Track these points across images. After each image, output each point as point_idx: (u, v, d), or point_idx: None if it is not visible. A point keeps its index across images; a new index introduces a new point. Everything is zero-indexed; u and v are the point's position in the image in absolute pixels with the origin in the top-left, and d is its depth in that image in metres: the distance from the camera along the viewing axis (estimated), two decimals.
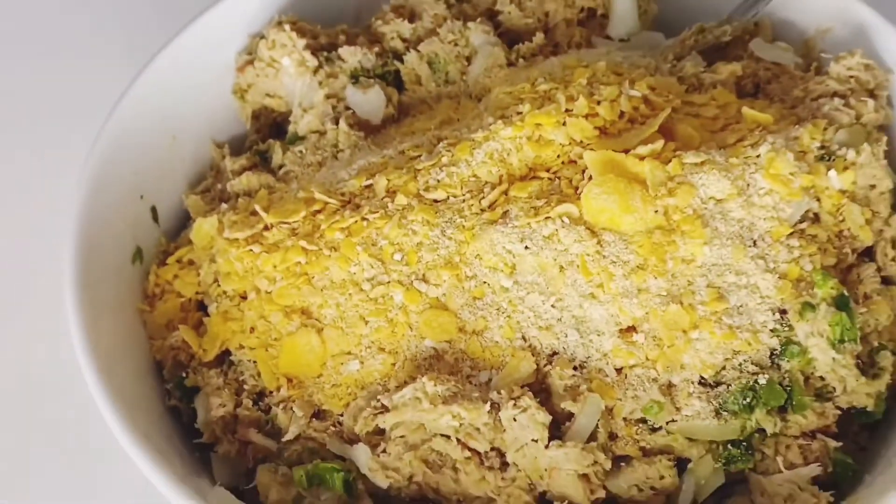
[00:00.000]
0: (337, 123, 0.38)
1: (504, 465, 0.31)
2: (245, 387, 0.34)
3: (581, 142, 0.34)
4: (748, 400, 0.32)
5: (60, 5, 0.55)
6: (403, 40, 0.41)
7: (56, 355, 0.39)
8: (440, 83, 0.40)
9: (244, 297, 0.35)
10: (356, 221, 0.34)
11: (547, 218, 0.32)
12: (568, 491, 0.31)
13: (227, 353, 0.35)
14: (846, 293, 0.32)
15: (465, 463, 0.31)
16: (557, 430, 0.32)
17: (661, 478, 0.32)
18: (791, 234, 0.33)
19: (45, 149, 0.48)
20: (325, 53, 0.40)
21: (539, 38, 0.40)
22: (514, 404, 0.31)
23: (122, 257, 0.37)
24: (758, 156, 0.33)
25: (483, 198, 0.34)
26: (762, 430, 0.32)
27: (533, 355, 0.32)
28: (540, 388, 0.32)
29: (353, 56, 0.40)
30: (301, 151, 0.38)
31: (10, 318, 0.43)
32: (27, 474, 0.40)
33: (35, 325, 0.42)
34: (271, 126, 0.42)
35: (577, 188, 0.33)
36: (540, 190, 0.33)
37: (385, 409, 0.32)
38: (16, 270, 0.44)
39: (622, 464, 0.32)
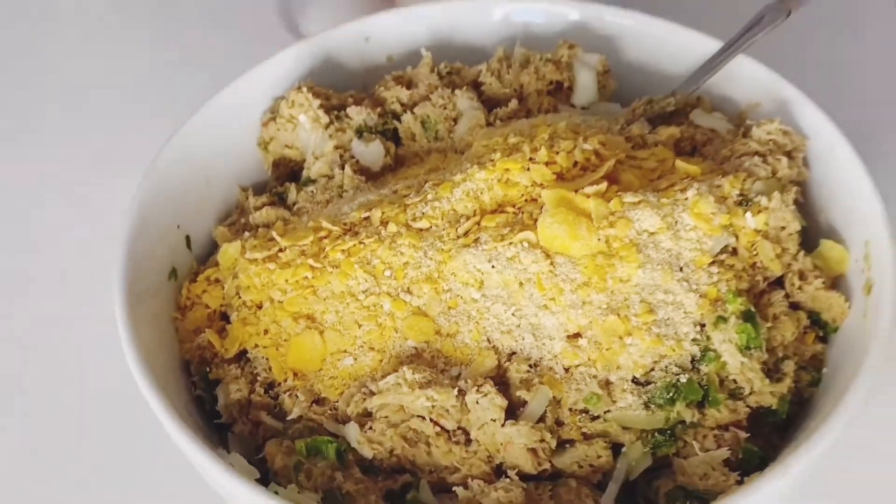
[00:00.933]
0: (343, 169, 0.46)
1: (468, 441, 0.38)
2: (258, 378, 0.41)
3: (541, 184, 0.41)
4: (671, 395, 0.38)
5: (110, 71, 0.64)
6: (401, 104, 0.48)
7: (109, 357, 0.45)
8: (431, 139, 0.47)
9: (260, 307, 0.42)
10: (355, 245, 0.41)
11: (510, 243, 0.40)
12: (519, 462, 0.37)
13: (244, 352, 0.42)
14: (752, 309, 0.39)
15: (436, 438, 0.38)
16: (513, 414, 0.38)
17: (599, 457, 0.38)
18: (711, 262, 0.40)
19: (103, 185, 0.56)
20: (336, 112, 0.47)
21: (514, 104, 0.48)
22: (478, 390, 0.38)
23: (160, 275, 0.44)
24: (685, 198, 0.41)
25: (459, 227, 0.41)
26: (684, 422, 0.39)
27: (495, 354, 0.39)
28: (500, 381, 0.39)
29: (358, 115, 0.47)
30: (312, 191, 0.46)
31: (71, 329, 0.51)
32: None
33: (92, 331, 0.49)
34: (289, 173, 0.49)
35: (535, 220, 0.40)
36: (506, 221, 0.41)
37: (372, 394, 0.38)
38: (74, 286, 0.52)
39: (567, 445, 0.39)
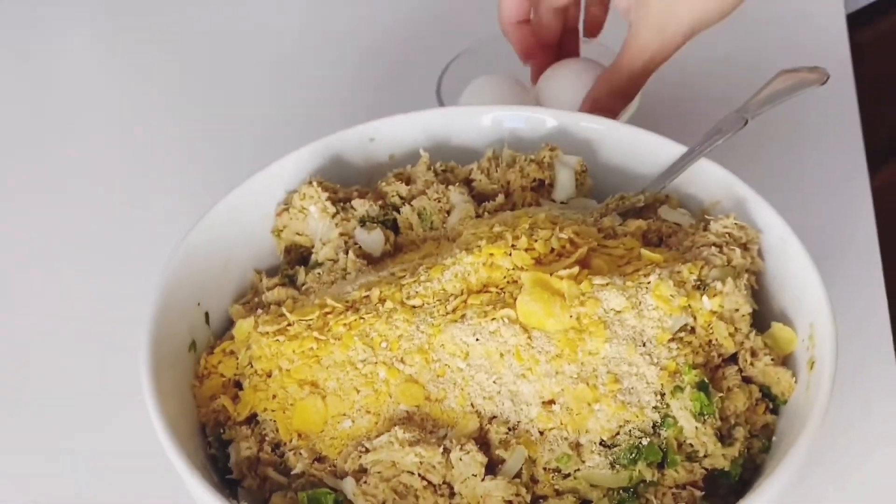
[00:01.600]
0: (347, 254, 0.51)
1: (452, 494, 0.42)
2: (266, 438, 0.46)
3: (521, 267, 0.47)
4: (634, 456, 0.43)
5: (134, 171, 0.70)
6: (401, 197, 0.54)
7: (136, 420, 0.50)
8: (426, 229, 0.53)
9: (269, 375, 0.47)
10: (355, 319, 0.46)
11: (493, 319, 0.45)
12: None
13: (254, 415, 0.47)
14: (706, 380, 0.44)
15: (423, 491, 0.42)
16: (492, 471, 0.43)
17: None
18: (671, 339, 0.45)
19: (124, 269, 0.63)
20: (342, 204, 0.53)
21: (501, 198, 0.53)
22: (461, 448, 0.42)
23: (181, 347, 0.49)
24: (648, 282, 0.46)
25: (448, 304, 0.46)
26: (645, 481, 0.43)
27: (478, 417, 0.44)
28: (482, 441, 0.43)
29: (362, 206, 0.53)
30: (319, 273, 0.51)
31: (96, 394, 0.56)
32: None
33: (119, 391, 0.54)
34: (298, 257, 0.55)
35: (515, 299, 0.46)
36: (489, 300, 0.46)
37: (367, 451, 0.43)
38: (103, 358, 0.58)
39: (540, 500, 0.43)
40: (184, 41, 0.81)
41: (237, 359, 0.49)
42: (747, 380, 0.47)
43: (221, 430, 0.47)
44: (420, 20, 0.80)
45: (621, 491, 0.43)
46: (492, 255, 0.47)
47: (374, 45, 0.79)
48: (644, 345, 0.45)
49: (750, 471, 0.45)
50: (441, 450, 0.42)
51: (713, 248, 0.49)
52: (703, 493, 0.43)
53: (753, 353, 0.47)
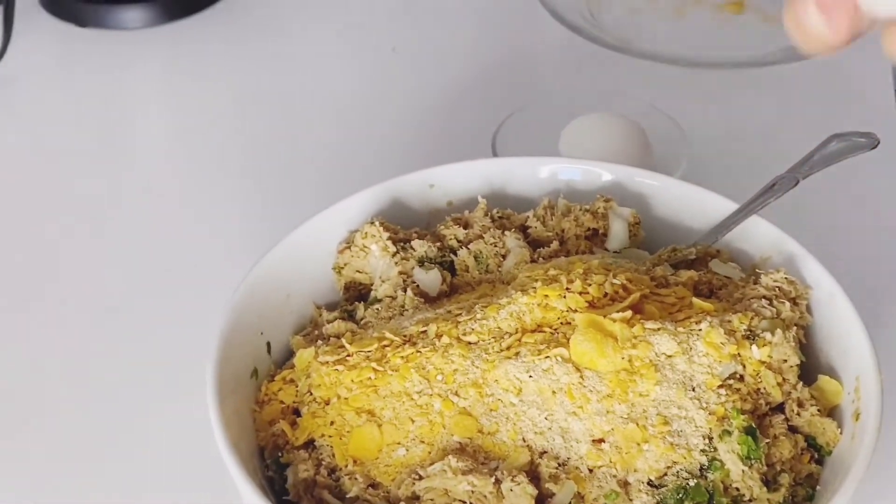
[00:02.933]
0: (405, 292, 0.53)
1: None
2: (323, 463, 0.47)
3: (575, 309, 0.48)
4: (680, 496, 0.44)
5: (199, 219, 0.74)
6: (458, 241, 0.56)
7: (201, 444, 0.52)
8: (482, 271, 0.55)
9: (328, 403, 0.49)
10: (413, 352, 0.48)
11: (546, 357, 0.46)
12: None
13: (312, 441, 0.49)
14: (753, 425, 0.45)
15: None
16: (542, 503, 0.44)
17: None
18: (720, 385, 0.46)
19: (190, 301, 0.65)
20: (402, 244, 0.55)
21: (555, 245, 0.55)
22: (512, 480, 0.44)
23: (244, 374, 0.51)
24: (699, 329, 0.47)
25: (503, 342, 0.48)
26: None
27: (529, 452, 0.45)
28: (532, 475, 0.45)
29: (421, 247, 0.55)
30: (377, 309, 0.53)
31: (164, 418, 0.58)
32: None
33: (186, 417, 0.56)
34: (357, 295, 0.57)
35: (568, 339, 0.47)
36: (543, 339, 0.47)
37: (420, 478, 0.45)
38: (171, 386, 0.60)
39: None
40: (254, 84, 0.85)
41: (297, 387, 0.50)
42: (793, 429, 0.48)
43: (280, 454, 0.49)
44: (477, 79, 0.83)
45: None
46: (546, 296, 0.49)
47: (436, 101, 0.82)
48: (693, 389, 0.46)
49: None
50: (493, 480, 0.44)
51: (763, 300, 0.50)
52: None
53: (800, 404, 0.48)
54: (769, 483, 0.45)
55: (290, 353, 0.54)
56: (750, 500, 0.45)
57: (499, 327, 0.48)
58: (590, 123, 0.73)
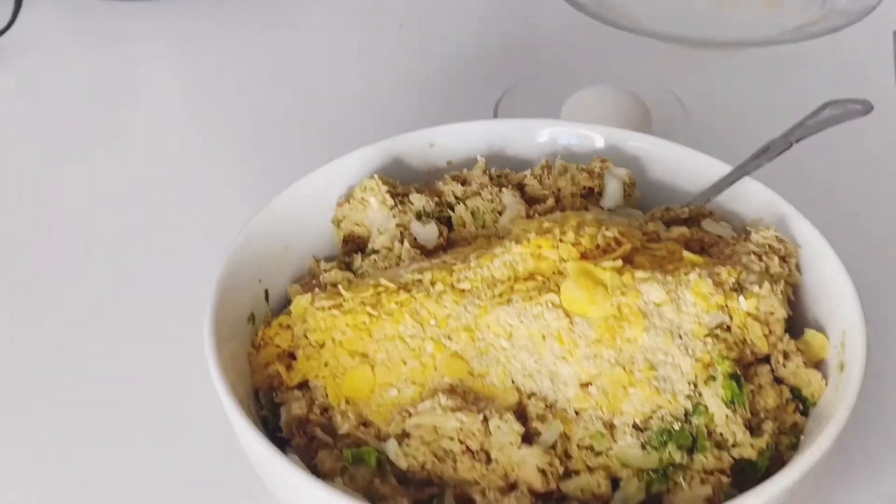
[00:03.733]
0: (402, 243, 0.54)
1: (489, 460, 0.45)
2: (316, 402, 0.48)
3: (567, 260, 0.49)
4: (664, 439, 0.45)
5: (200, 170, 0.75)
6: (456, 197, 0.57)
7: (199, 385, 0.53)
8: (478, 227, 0.56)
9: (322, 346, 0.50)
10: (407, 298, 0.49)
11: (537, 303, 0.47)
12: (531, 479, 0.44)
13: (306, 383, 0.50)
14: (738, 371, 0.46)
15: (461, 456, 0.44)
16: (529, 442, 0.45)
17: (599, 486, 0.44)
18: (707, 334, 0.47)
19: (192, 245, 0.67)
20: (400, 198, 0.56)
21: (550, 202, 0.56)
22: (500, 417, 0.45)
23: (241, 319, 0.52)
24: (689, 280, 0.48)
25: (496, 289, 0.49)
26: (675, 465, 0.45)
27: (518, 393, 0.46)
28: (520, 415, 0.46)
29: (419, 201, 0.56)
30: (374, 259, 0.54)
31: (166, 363, 0.59)
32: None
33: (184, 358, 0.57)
34: (355, 249, 0.58)
35: (560, 286, 0.48)
36: (535, 286, 0.48)
37: (410, 415, 0.46)
38: (166, 327, 0.61)
39: (573, 475, 0.45)
40: (263, 57, 0.86)
41: (292, 332, 0.51)
42: (779, 380, 0.48)
43: (274, 395, 0.50)
44: (480, 54, 0.85)
45: (651, 472, 0.45)
46: (539, 246, 0.49)
47: (440, 75, 0.83)
48: (681, 337, 0.47)
49: (778, 466, 0.46)
50: (481, 417, 0.45)
51: (752, 256, 0.51)
52: (730, 480, 0.45)
53: (786, 356, 0.49)
54: (753, 430, 0.46)
55: (287, 303, 0.54)
56: (733, 445, 0.45)
57: (492, 276, 0.49)
58: (592, 96, 0.74)
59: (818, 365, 0.49)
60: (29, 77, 0.87)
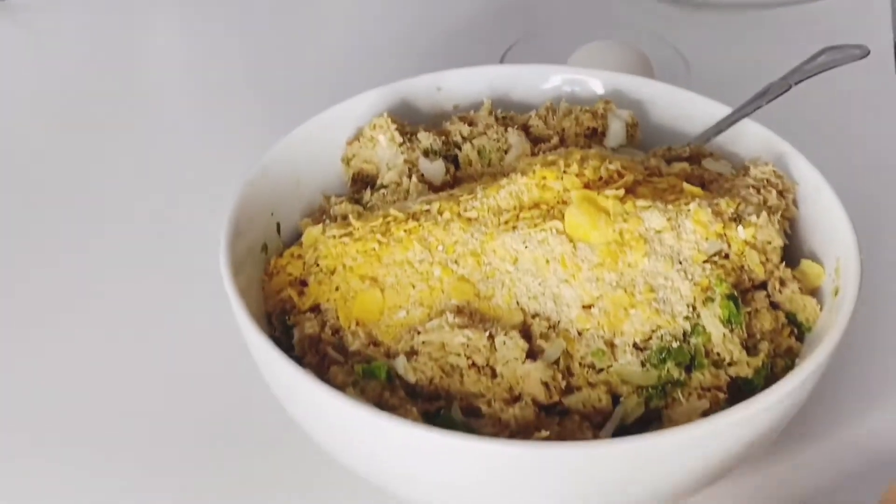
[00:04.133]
0: (410, 178, 0.56)
1: (494, 375, 0.46)
2: (327, 324, 0.50)
3: (571, 190, 0.51)
4: (663, 356, 0.46)
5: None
6: (462, 136, 0.58)
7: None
8: (484, 165, 0.57)
9: (333, 272, 0.51)
10: (415, 226, 0.50)
11: (542, 229, 0.49)
12: (534, 392, 0.45)
13: (317, 307, 0.51)
14: (735, 293, 0.48)
15: (468, 370, 0.46)
16: (532, 359, 0.47)
17: (600, 401, 0.46)
18: (706, 260, 0.49)
19: (206, 185, 0.69)
20: (408, 136, 0.58)
21: (555, 141, 0.58)
22: (505, 334, 0.46)
23: (254, 248, 0.54)
24: (688, 209, 0.50)
25: (501, 217, 0.50)
26: (673, 382, 0.47)
27: (522, 314, 0.48)
28: (524, 334, 0.47)
29: (427, 139, 0.57)
30: (383, 193, 0.56)
31: (176, 296, 0.62)
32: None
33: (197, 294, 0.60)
34: (364, 187, 0.59)
35: (563, 214, 0.50)
36: (540, 214, 0.50)
37: (419, 334, 0.47)
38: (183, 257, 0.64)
39: (574, 390, 0.47)
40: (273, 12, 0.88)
41: (304, 261, 0.53)
42: (775, 306, 0.50)
43: (287, 318, 0.51)
44: (488, 6, 0.86)
45: (650, 388, 0.46)
46: (544, 177, 0.51)
47: (446, 29, 0.85)
48: (680, 262, 0.48)
49: None
50: (487, 334, 0.46)
51: (751, 189, 0.53)
52: (727, 398, 0.47)
53: (782, 282, 0.50)
54: (749, 350, 0.48)
55: (298, 237, 0.56)
56: (730, 364, 0.47)
57: (498, 205, 0.51)
58: (596, 50, 0.75)
59: (814, 293, 0.51)
60: (33, 32, 0.88)
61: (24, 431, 0.55)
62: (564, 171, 0.51)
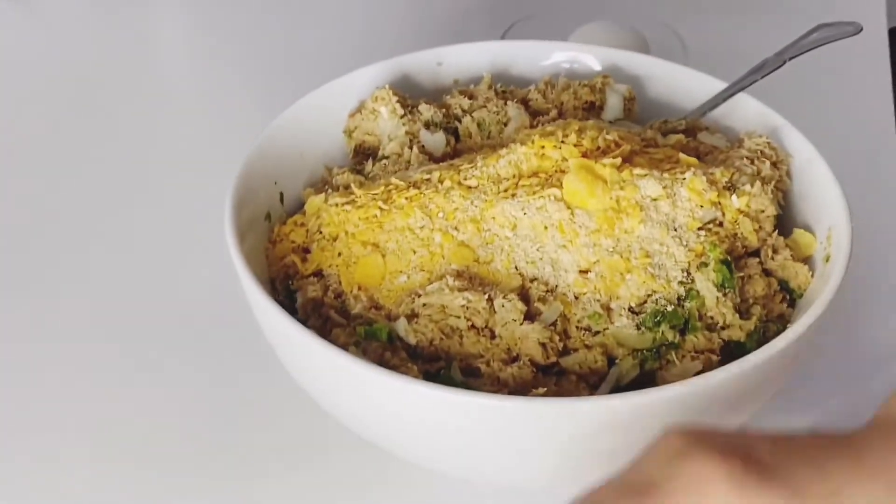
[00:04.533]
0: (411, 149, 0.57)
1: (493, 336, 0.47)
2: (330, 288, 0.51)
3: (568, 159, 0.52)
4: (658, 319, 0.48)
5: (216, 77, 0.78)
6: (463, 109, 0.59)
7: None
8: (484, 137, 0.58)
9: (336, 239, 0.52)
10: (416, 194, 0.51)
11: (540, 196, 0.50)
12: (532, 352, 0.46)
13: (320, 272, 0.52)
14: (728, 258, 0.49)
15: (467, 332, 0.47)
16: (531, 321, 0.48)
17: (596, 362, 0.47)
18: (700, 228, 0.50)
19: (211, 156, 0.70)
20: (410, 108, 0.59)
21: (553, 114, 0.59)
22: (504, 297, 0.47)
23: (258, 216, 0.55)
24: (684, 177, 0.51)
25: (501, 185, 0.51)
26: (667, 345, 0.48)
27: (521, 278, 0.49)
28: (523, 297, 0.48)
29: (427, 112, 0.59)
30: (385, 164, 0.57)
31: (182, 263, 0.63)
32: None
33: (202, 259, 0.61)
34: (366, 159, 0.60)
35: (562, 182, 0.51)
36: (538, 182, 0.51)
37: (419, 296, 0.48)
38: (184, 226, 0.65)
39: (571, 352, 0.48)
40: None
41: (307, 229, 0.54)
42: (767, 273, 0.51)
43: (290, 283, 0.53)
44: None
45: (645, 351, 0.48)
46: (543, 147, 0.52)
47: (444, 11, 0.86)
48: (675, 229, 0.50)
49: None
50: (486, 297, 0.47)
51: (745, 160, 0.54)
52: (720, 360, 0.48)
53: (774, 250, 0.51)
54: (742, 314, 0.49)
55: (301, 207, 0.57)
56: (723, 327, 0.48)
57: (497, 174, 0.52)
58: (593, 31, 0.77)
59: (806, 261, 0.52)
60: (42, 20, 0.89)
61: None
62: (563, 141, 0.52)
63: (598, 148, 0.53)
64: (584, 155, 0.52)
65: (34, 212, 0.68)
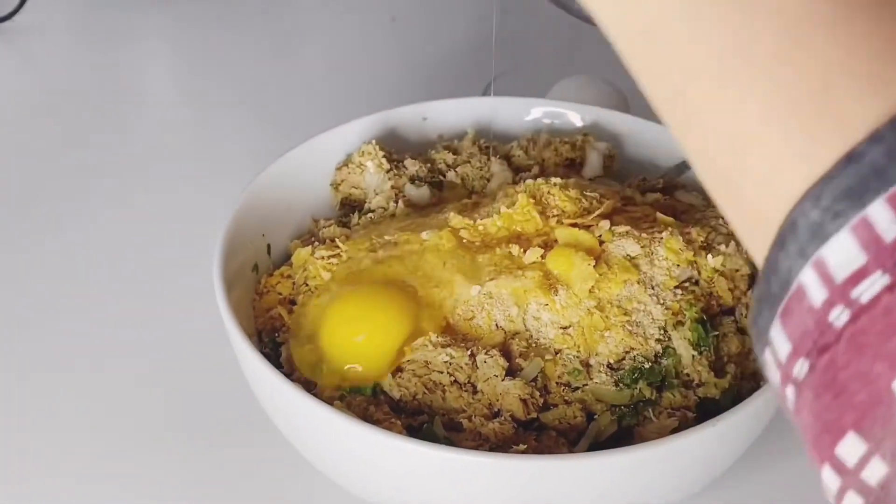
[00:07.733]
0: (397, 203, 0.58)
1: (475, 391, 0.49)
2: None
3: (553, 215, 0.53)
4: (636, 376, 0.49)
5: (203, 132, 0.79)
6: (447, 164, 0.61)
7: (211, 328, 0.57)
8: (469, 191, 0.60)
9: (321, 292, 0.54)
10: (397, 253, 0.53)
11: (522, 276, 0.51)
12: (513, 408, 0.48)
13: None
14: (704, 317, 0.50)
15: (450, 387, 0.48)
16: (512, 376, 0.49)
17: (575, 418, 0.48)
18: (677, 286, 0.51)
19: (201, 203, 0.71)
20: (395, 163, 0.61)
21: (535, 171, 0.60)
22: (486, 353, 0.49)
23: (246, 268, 0.56)
24: (661, 237, 0.52)
25: (483, 257, 0.53)
26: (644, 401, 0.49)
27: (503, 334, 0.50)
28: (504, 353, 0.50)
29: (413, 166, 0.60)
30: (370, 217, 0.58)
31: (169, 314, 0.64)
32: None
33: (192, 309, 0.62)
34: (352, 211, 0.62)
35: (543, 247, 0.52)
36: (522, 248, 0.52)
37: (404, 354, 0.50)
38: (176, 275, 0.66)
39: (551, 407, 0.49)
40: (258, 49, 0.90)
41: (293, 281, 0.55)
42: (742, 331, 0.53)
43: (276, 335, 0.54)
44: (471, 45, 0.89)
45: (623, 407, 0.49)
46: (530, 211, 0.53)
47: (429, 67, 0.88)
48: (653, 288, 0.51)
49: None
50: (468, 353, 0.49)
51: (720, 220, 0.55)
52: (696, 417, 0.49)
53: (748, 308, 0.53)
54: (717, 372, 0.50)
55: (288, 259, 0.58)
56: (698, 385, 0.50)
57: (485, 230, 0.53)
58: (572, 86, 0.78)
59: None
60: (32, 61, 0.90)
61: (21, 431, 0.57)
62: (547, 206, 0.54)
63: (584, 208, 0.54)
64: (573, 224, 0.53)
65: (8, 265, 0.69)
